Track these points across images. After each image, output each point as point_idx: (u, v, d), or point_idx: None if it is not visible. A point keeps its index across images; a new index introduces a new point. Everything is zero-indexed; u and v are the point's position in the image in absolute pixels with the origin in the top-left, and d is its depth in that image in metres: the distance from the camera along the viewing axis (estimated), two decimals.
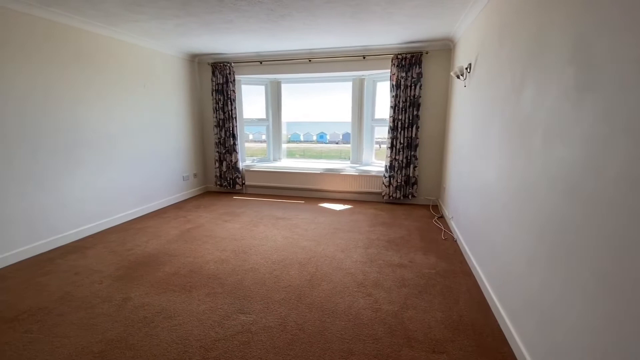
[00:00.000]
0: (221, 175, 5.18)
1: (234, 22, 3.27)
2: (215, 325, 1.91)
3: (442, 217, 3.97)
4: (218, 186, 5.26)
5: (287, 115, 5.45)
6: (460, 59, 3.45)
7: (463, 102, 3.26)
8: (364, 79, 4.82)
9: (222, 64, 4.77)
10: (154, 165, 4.26)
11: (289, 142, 6.51)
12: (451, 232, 3.44)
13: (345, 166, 4.99)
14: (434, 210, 4.29)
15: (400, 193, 4.46)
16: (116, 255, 2.89)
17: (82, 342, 1.77)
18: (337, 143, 5.24)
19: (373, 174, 4.67)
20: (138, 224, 3.73)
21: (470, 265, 2.65)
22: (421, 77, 4.12)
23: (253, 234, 3.40)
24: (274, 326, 1.91)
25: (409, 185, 4.46)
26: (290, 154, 5.85)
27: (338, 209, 4.37)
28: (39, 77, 2.84)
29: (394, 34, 3.70)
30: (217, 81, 4.86)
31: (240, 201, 4.79)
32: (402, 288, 2.33)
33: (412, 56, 4.08)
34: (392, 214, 4.12)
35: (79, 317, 1.99)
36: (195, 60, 4.98)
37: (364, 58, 4.33)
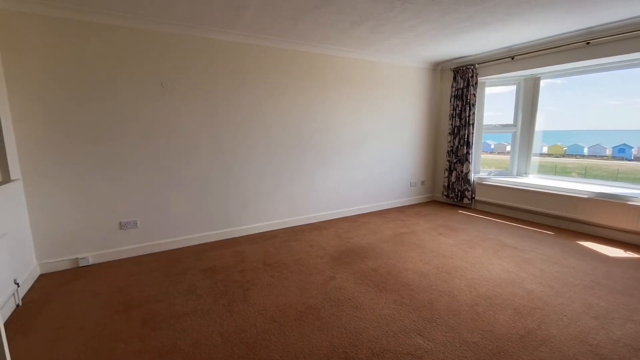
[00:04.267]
0: (449, 186, 4.88)
1: (473, 19, 2.96)
2: (389, 335, 1.85)
3: None
4: (445, 197, 5.00)
5: (549, 121, 4.27)
6: None
7: None
8: None
9: (464, 68, 4.46)
10: (385, 169, 4.69)
11: (564, 156, 5.04)
12: None
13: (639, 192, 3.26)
14: None
15: None
16: (339, 239, 3.45)
17: (294, 298, 2.27)
18: None
19: None
20: (363, 219, 4.26)
21: None
22: None
23: (465, 256, 2.96)
24: None
25: None
26: (564, 172, 4.48)
27: (610, 255, 2.93)
28: (312, 94, 3.88)
29: None
30: (457, 86, 4.61)
31: (464, 216, 4.31)
32: None
33: None
34: None
35: (300, 278, 2.56)
36: (438, 68, 4.96)
37: None
